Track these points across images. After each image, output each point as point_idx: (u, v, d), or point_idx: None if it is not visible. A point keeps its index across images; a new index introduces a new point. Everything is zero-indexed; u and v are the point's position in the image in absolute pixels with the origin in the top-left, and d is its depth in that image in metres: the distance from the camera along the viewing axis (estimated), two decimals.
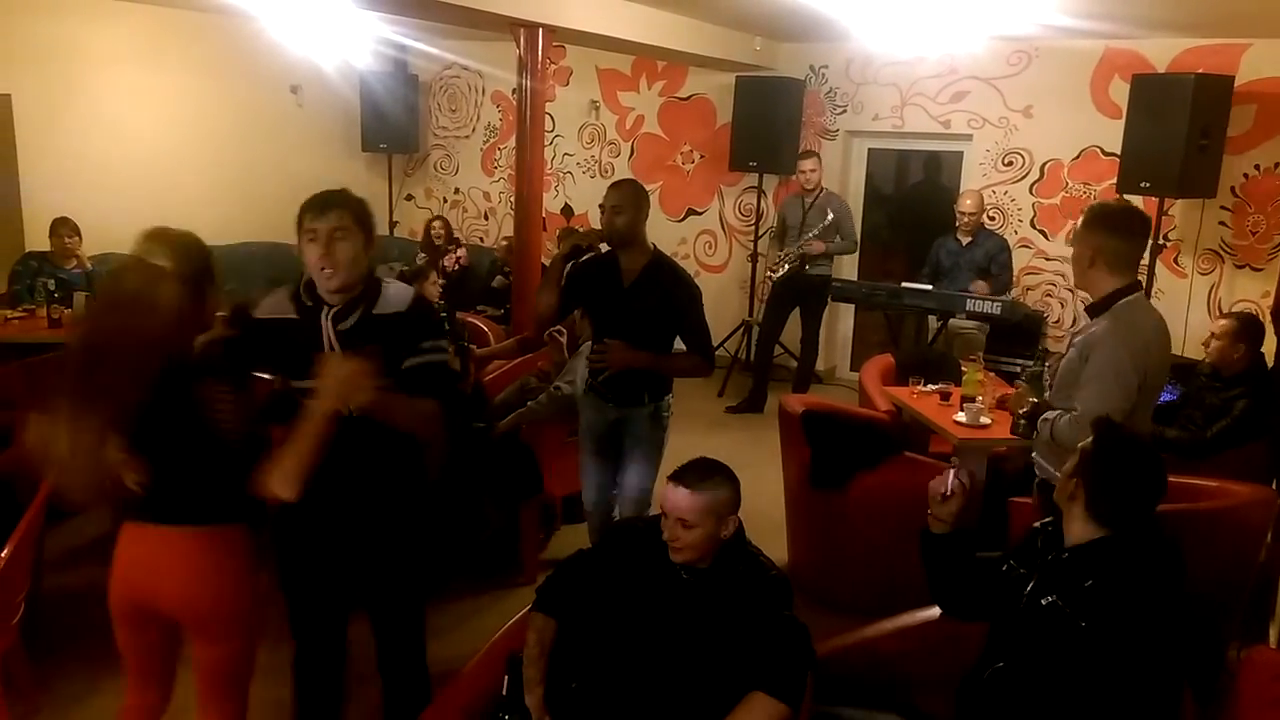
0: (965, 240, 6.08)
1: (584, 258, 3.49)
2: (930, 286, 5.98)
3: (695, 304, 3.46)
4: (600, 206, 3.46)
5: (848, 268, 7.64)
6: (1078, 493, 2.17)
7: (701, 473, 2.21)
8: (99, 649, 2.39)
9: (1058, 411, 2.84)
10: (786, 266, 6.49)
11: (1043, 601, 2.13)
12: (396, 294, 2.43)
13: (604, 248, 3.50)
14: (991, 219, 6.71)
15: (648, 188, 8.48)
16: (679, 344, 3.55)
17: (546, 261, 7.13)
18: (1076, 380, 2.80)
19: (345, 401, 2.12)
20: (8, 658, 2.90)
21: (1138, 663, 2.05)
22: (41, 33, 6.51)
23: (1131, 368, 2.71)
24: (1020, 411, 3.02)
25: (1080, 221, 2.90)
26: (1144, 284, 6.02)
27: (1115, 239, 2.79)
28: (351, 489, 2.38)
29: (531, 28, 5.26)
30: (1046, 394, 3.11)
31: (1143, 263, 6.19)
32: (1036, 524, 2.43)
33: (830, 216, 6.39)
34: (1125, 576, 2.08)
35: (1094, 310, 2.87)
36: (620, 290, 3.42)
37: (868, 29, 6.17)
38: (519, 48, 5.34)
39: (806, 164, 6.53)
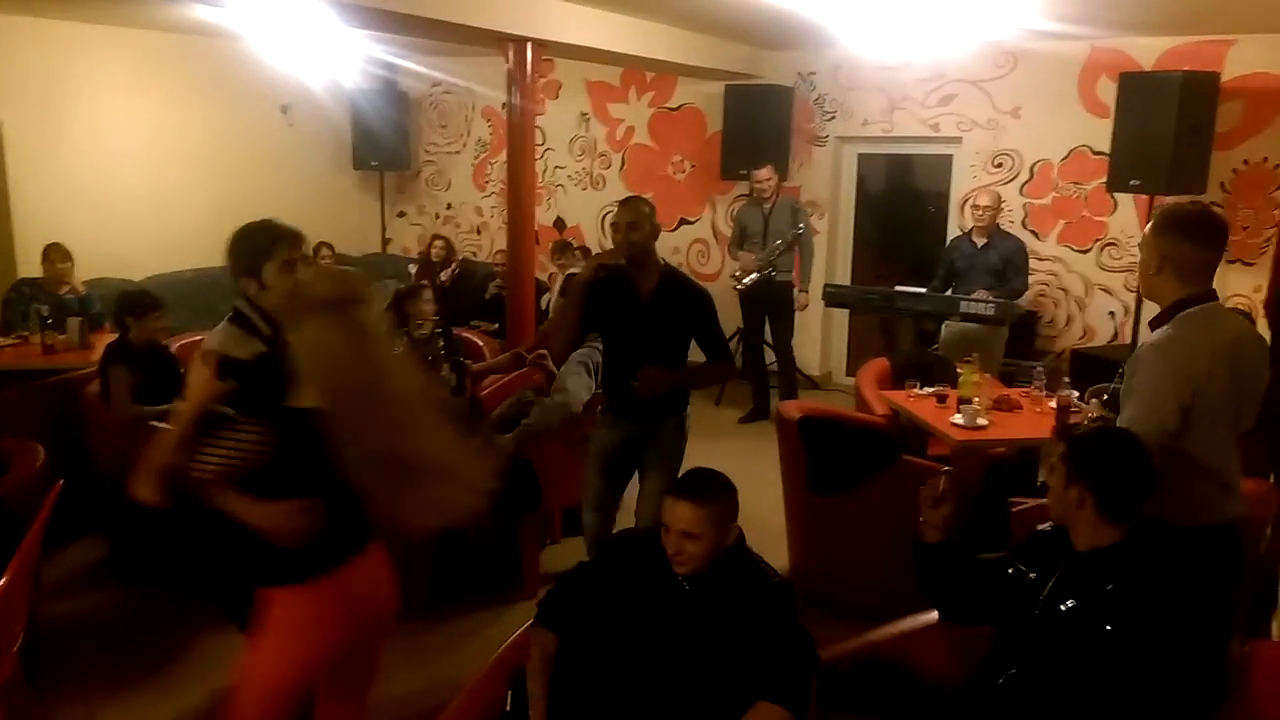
0: (980, 242, 5.94)
1: (596, 279, 3.47)
2: (923, 289, 5.97)
3: (712, 312, 3.54)
4: (613, 225, 3.46)
5: (840, 272, 7.66)
6: (1084, 499, 2.17)
7: (702, 485, 2.22)
8: (98, 676, 2.38)
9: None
10: (755, 275, 6.47)
11: (1062, 607, 2.12)
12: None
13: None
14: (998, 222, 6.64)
15: None
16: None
17: (541, 275, 7.18)
18: (1129, 393, 2.58)
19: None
20: (8, 686, 2.88)
21: (1169, 663, 2.04)
22: (31, 59, 6.51)
23: (1172, 387, 2.44)
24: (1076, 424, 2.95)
25: (1150, 225, 2.63)
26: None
27: (1188, 244, 2.52)
28: None
29: (520, 42, 5.27)
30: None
31: (1136, 260, 6.23)
32: (1041, 526, 2.42)
33: (801, 228, 6.40)
34: (1148, 577, 2.08)
35: (1155, 322, 2.60)
36: (639, 306, 3.43)
37: (855, 35, 6.20)
38: (508, 62, 5.36)
39: (762, 173, 6.52)
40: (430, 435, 2.05)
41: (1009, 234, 6.12)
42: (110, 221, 6.89)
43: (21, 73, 6.47)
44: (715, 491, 2.21)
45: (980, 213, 5.90)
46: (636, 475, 3.67)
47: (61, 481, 3.03)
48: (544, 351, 4.62)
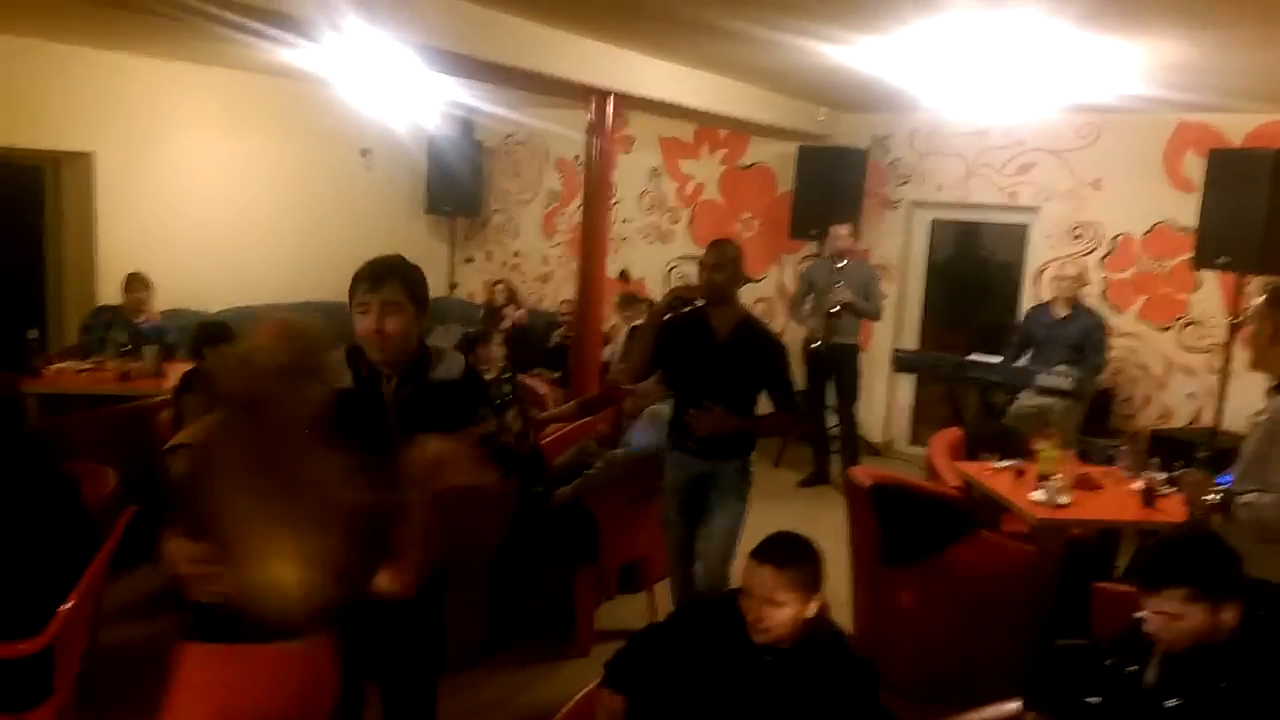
0: (1062, 314, 5.80)
1: (674, 315, 3.54)
2: (997, 359, 5.82)
3: (785, 362, 3.58)
4: (699, 263, 3.52)
5: (908, 337, 7.54)
6: (1224, 609, 2.06)
7: (786, 549, 2.13)
8: (152, 706, 2.32)
9: (1255, 492, 2.63)
10: (820, 325, 6.38)
11: (1167, 704, 1.99)
12: (450, 362, 2.46)
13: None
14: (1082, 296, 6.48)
15: None
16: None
17: (606, 328, 7.16)
18: (1268, 461, 2.64)
19: (443, 483, 2.09)
20: (65, 710, 2.85)
21: None
22: (125, 93, 6.75)
23: None
24: (1207, 499, 2.84)
25: (1264, 299, 2.82)
26: (1226, 366, 5.84)
27: None
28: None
29: (603, 94, 5.33)
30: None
31: (1219, 342, 6.03)
32: (1138, 614, 2.28)
33: (836, 308, 6.32)
34: (1262, 676, 1.94)
35: (1276, 389, 2.76)
36: (714, 347, 3.47)
37: (932, 99, 6.15)
38: (589, 113, 5.41)
39: (842, 229, 6.45)
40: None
41: (1091, 309, 5.97)
42: (190, 254, 7.05)
43: (115, 107, 6.71)
44: (799, 556, 2.12)
45: (1065, 284, 5.79)
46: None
47: (134, 508, 3.03)
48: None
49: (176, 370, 5.25)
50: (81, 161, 6.67)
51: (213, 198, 7.34)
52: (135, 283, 5.93)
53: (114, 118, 6.71)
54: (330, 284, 7.53)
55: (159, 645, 2.24)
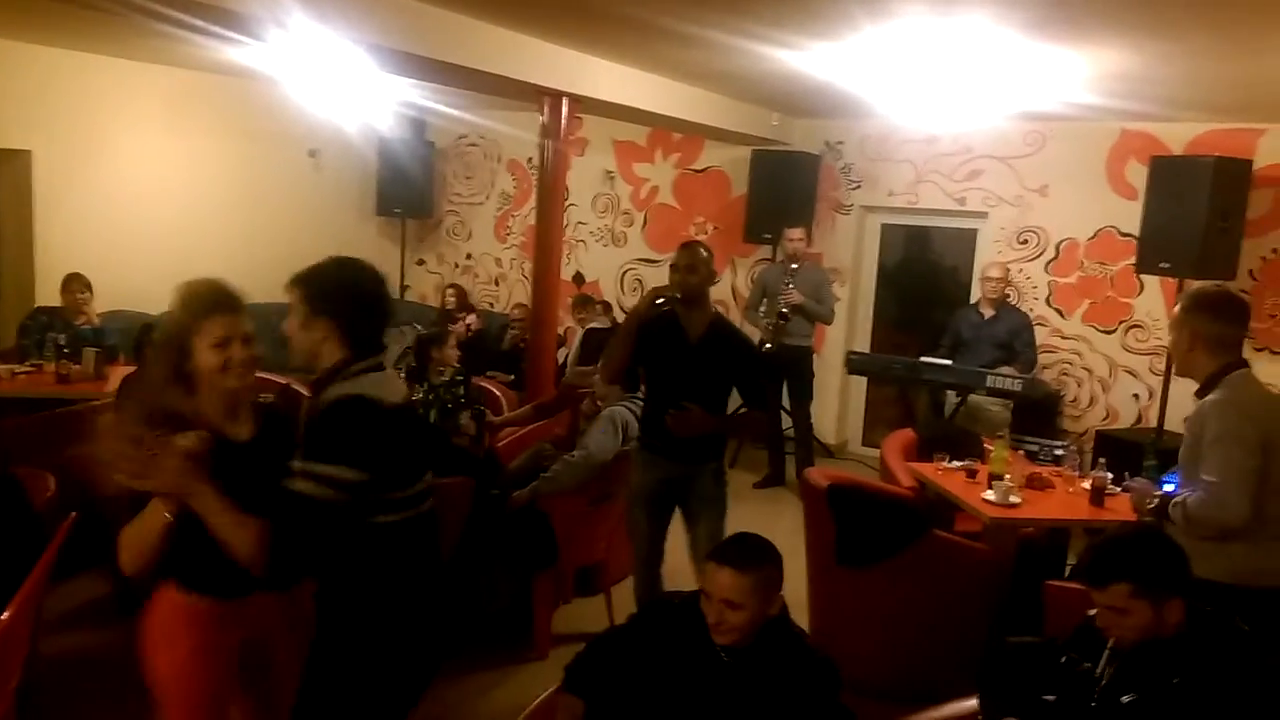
0: (988, 313, 6.03)
1: (648, 316, 3.54)
2: (950, 361, 5.91)
3: (757, 361, 3.68)
4: (671, 265, 3.56)
5: (860, 340, 7.62)
6: (1168, 606, 2.10)
7: (746, 551, 2.13)
8: (93, 716, 2.27)
9: (1184, 494, 2.77)
10: (770, 327, 6.41)
11: (1123, 699, 2.02)
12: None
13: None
14: (1007, 295, 6.68)
15: (659, 257, 8.55)
16: None
17: (561, 330, 7.13)
18: (1197, 458, 2.76)
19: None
20: None
21: None
22: (63, 91, 6.56)
23: (1252, 427, 2.68)
24: (1148, 506, 2.93)
25: (1179, 307, 2.93)
26: (1168, 368, 5.98)
27: (1216, 324, 2.82)
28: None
29: (557, 96, 5.30)
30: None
31: (1162, 344, 6.19)
32: (1091, 612, 2.32)
33: (785, 312, 6.35)
34: (1212, 670, 1.98)
35: (1202, 391, 2.86)
36: (687, 347, 3.51)
37: (884, 106, 6.23)
38: (543, 115, 5.38)
39: (795, 232, 6.50)
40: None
41: (1016, 308, 6.20)
42: (132, 255, 6.88)
43: (53, 104, 6.51)
44: (760, 559, 2.12)
45: (990, 284, 5.96)
46: (682, 520, 3.71)
47: (75, 514, 2.93)
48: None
49: (117, 373, 5.12)
50: (18, 160, 6.47)
51: (155, 198, 7.16)
52: (74, 284, 5.76)
53: (52, 115, 6.52)
54: (277, 287, 7.42)
55: (100, 654, 2.18)
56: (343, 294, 2.17)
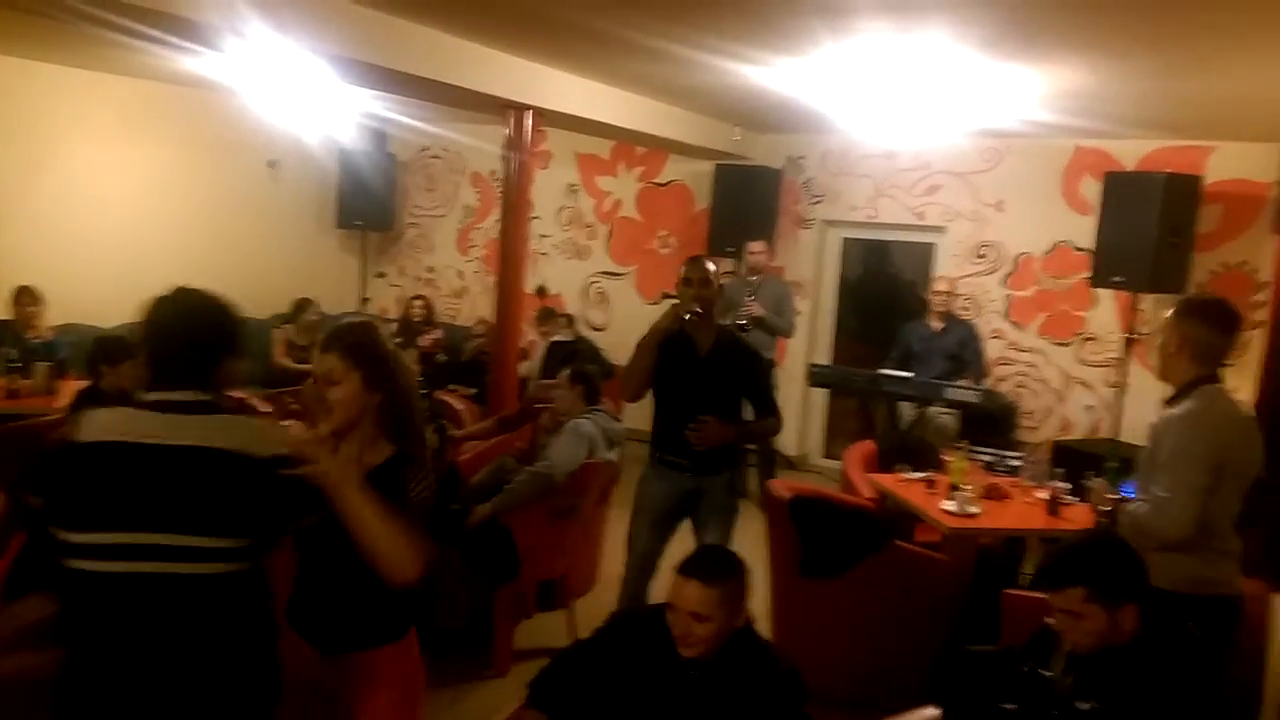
0: (937, 326, 6.16)
1: (673, 331, 3.57)
2: (910, 374, 5.98)
3: (764, 371, 3.75)
4: (684, 279, 3.56)
5: (821, 353, 7.67)
6: (1124, 614, 2.13)
7: (713, 563, 2.13)
8: None
9: (1138, 502, 2.81)
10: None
11: (1081, 706, 2.04)
12: None
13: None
14: (965, 309, 6.79)
15: (623, 270, 8.54)
16: None
17: (524, 343, 7.10)
18: (1154, 469, 2.78)
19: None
20: None
21: None
22: (14, 100, 6.43)
23: (1205, 447, 2.68)
24: (1101, 509, 2.96)
25: (1174, 310, 2.92)
26: (1122, 380, 6.09)
27: (1209, 331, 2.80)
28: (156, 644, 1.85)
29: (521, 109, 5.30)
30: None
31: (1116, 356, 6.30)
32: (1048, 620, 2.35)
33: (744, 323, 6.33)
34: (1167, 678, 2.01)
35: (1173, 399, 2.86)
36: (697, 360, 3.55)
37: (844, 122, 6.30)
38: (508, 128, 5.37)
39: (757, 245, 6.54)
40: None
41: (964, 320, 6.32)
42: (85, 267, 6.74)
43: (4, 113, 6.38)
44: (727, 571, 2.12)
45: (938, 298, 6.10)
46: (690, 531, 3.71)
47: (25, 534, 2.85)
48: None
49: (69, 388, 5.01)
50: None
51: (110, 210, 7.03)
52: (25, 296, 5.65)
53: (3, 125, 6.38)
54: (236, 299, 7.36)
55: (38, 681, 2.10)
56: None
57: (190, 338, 1.94)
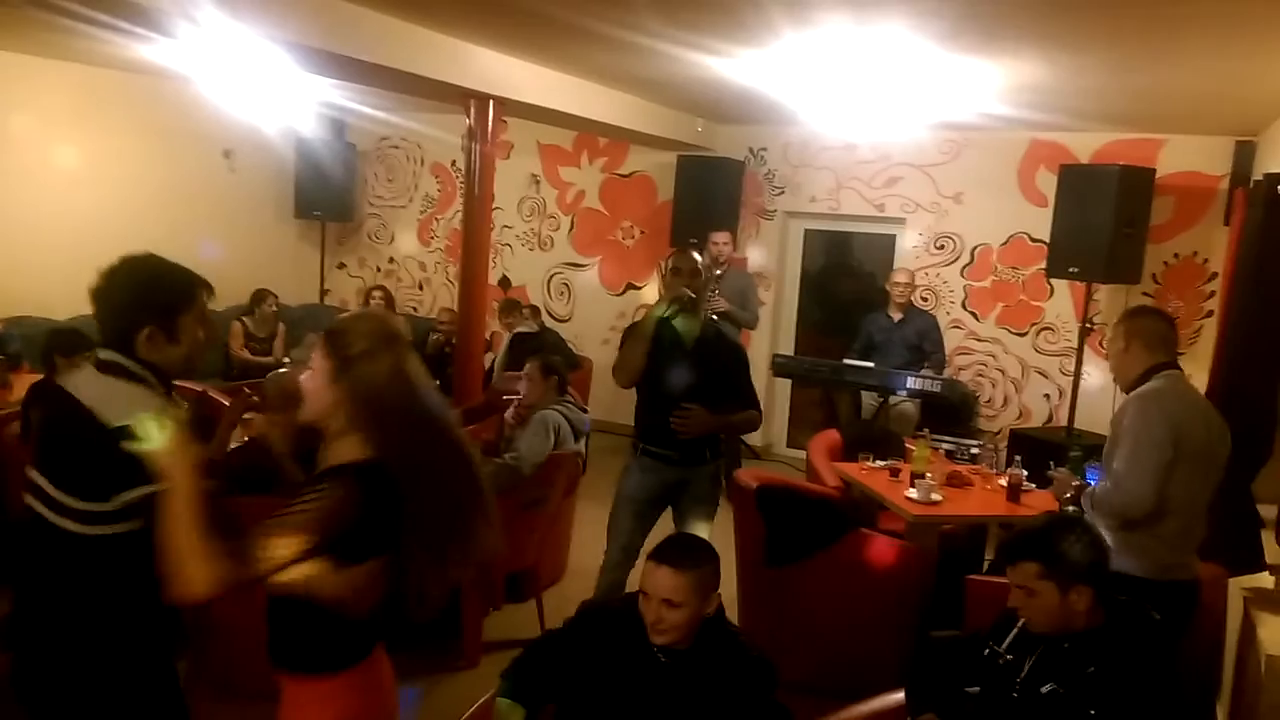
0: (897, 317, 6.27)
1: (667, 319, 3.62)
2: (871, 364, 6.05)
3: (746, 362, 3.81)
4: (674, 270, 3.62)
5: (784, 344, 7.72)
6: (1081, 594, 2.16)
7: (684, 550, 2.14)
8: None
9: (1094, 484, 2.90)
10: None
11: (1042, 689, 2.08)
12: None
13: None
14: (924, 300, 6.88)
15: (586, 261, 8.52)
16: None
17: (488, 335, 7.07)
18: (1111, 456, 2.88)
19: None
20: None
21: None
22: None
23: (1161, 427, 2.77)
24: (1065, 497, 3.05)
25: (1124, 313, 3.11)
26: (1077, 369, 6.20)
27: (1154, 320, 3.01)
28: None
29: (483, 99, 5.25)
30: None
31: (1072, 345, 6.42)
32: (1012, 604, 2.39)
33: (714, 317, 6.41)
34: (1127, 659, 2.06)
35: (1132, 386, 2.96)
36: (684, 352, 3.59)
37: (805, 114, 6.34)
38: (469, 118, 5.33)
39: (720, 236, 6.58)
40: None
41: (923, 310, 6.43)
42: (36, 257, 6.58)
43: None
44: (698, 558, 2.13)
45: (898, 289, 6.20)
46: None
47: None
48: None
49: (22, 381, 4.90)
50: None
51: (61, 199, 6.86)
52: None
53: None
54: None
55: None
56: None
57: (110, 298, 2.05)
